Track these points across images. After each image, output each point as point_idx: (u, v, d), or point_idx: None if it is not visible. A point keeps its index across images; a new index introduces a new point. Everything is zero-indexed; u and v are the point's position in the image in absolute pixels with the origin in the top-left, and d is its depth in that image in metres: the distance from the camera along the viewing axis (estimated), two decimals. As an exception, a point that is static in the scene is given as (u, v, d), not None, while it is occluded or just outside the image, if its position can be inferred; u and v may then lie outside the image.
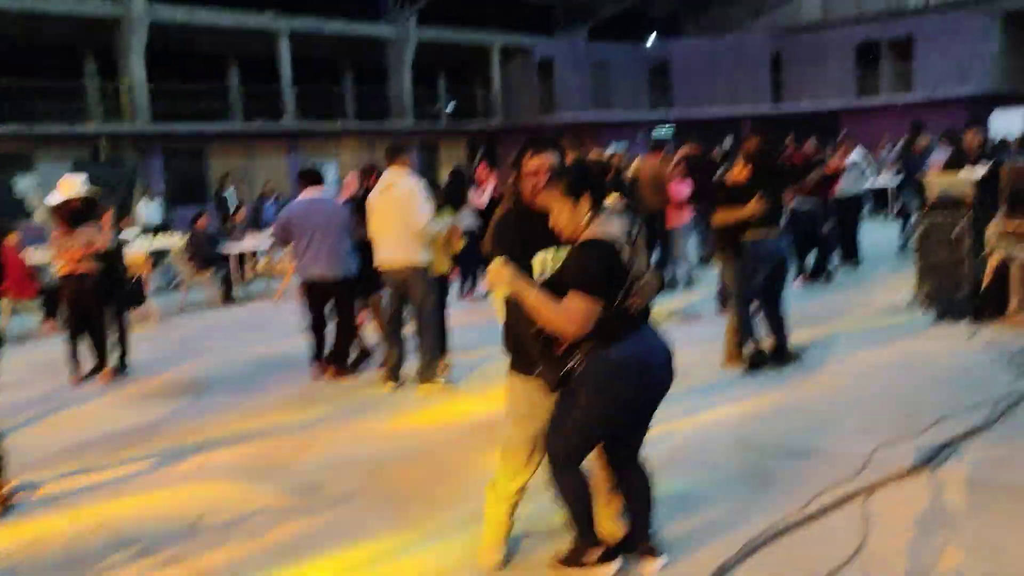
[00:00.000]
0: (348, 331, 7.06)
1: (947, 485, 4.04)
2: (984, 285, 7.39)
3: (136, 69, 21.94)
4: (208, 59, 26.20)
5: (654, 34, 34.53)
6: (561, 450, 3.14)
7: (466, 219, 10.51)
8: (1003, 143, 9.08)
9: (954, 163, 8.46)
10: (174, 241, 12.71)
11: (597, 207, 3.01)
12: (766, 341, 6.43)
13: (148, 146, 22.45)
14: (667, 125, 31.22)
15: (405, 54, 26.97)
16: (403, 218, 6.08)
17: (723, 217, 6.13)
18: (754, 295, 6.28)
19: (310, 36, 25.04)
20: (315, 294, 6.96)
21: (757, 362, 6.29)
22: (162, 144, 22.77)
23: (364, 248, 6.70)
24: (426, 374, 6.38)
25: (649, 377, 3.07)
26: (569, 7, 31.36)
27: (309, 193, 6.94)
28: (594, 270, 2.91)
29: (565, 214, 3.00)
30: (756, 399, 5.68)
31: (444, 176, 26.01)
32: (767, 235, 6.11)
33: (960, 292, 7.80)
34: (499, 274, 3.01)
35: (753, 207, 5.94)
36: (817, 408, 5.43)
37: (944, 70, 27.72)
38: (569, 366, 3.02)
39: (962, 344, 6.72)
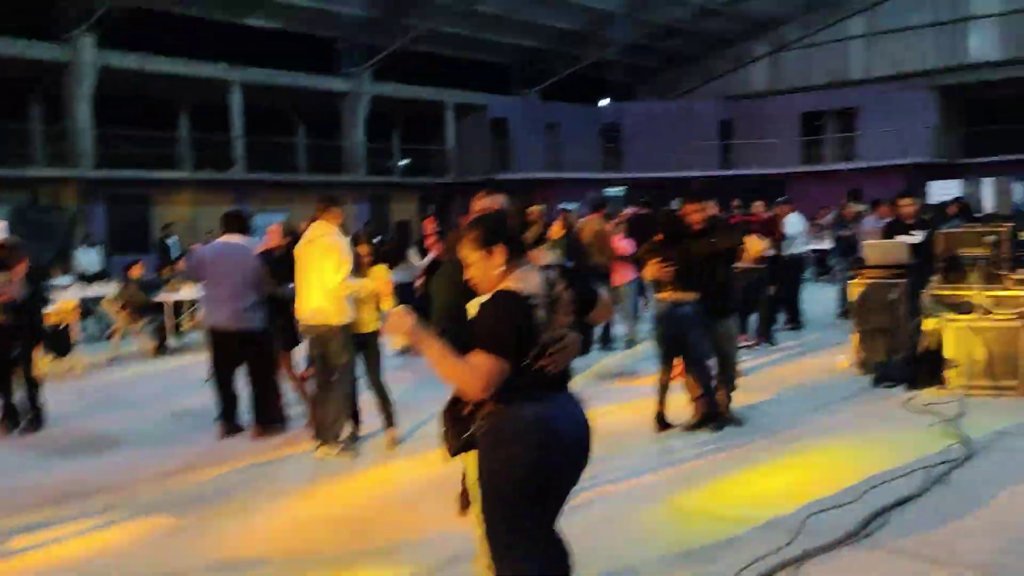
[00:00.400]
0: (263, 387, 6.69)
1: (880, 554, 3.93)
2: (920, 350, 7.42)
3: (82, 114, 21.61)
4: (158, 106, 25.99)
5: (607, 99, 35.25)
6: (498, 544, 2.78)
7: (402, 275, 10.41)
8: (939, 210, 9.27)
9: (891, 230, 8.59)
10: (108, 289, 12.33)
11: (514, 259, 2.78)
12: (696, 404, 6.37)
13: (91, 192, 22.00)
14: (619, 187, 31.63)
15: (359, 108, 27.02)
16: (319, 273, 5.89)
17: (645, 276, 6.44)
18: (704, 354, 6.24)
19: (263, 87, 24.97)
20: (219, 344, 6.63)
21: (704, 421, 6.23)
22: (106, 191, 22.34)
23: (279, 302, 6.52)
24: (324, 436, 6.04)
25: (556, 446, 2.71)
26: (523, 67, 31.84)
27: (228, 238, 6.70)
28: (501, 326, 2.64)
29: (478, 265, 2.81)
30: (689, 463, 5.55)
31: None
32: (678, 299, 6.14)
33: (897, 357, 7.83)
34: (398, 323, 2.73)
35: (649, 270, 6.13)
36: (751, 474, 5.32)
37: (885, 140, 28.61)
38: (471, 431, 2.79)
39: (899, 409, 6.70)
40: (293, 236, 6.89)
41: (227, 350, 6.62)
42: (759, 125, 31.75)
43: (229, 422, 6.69)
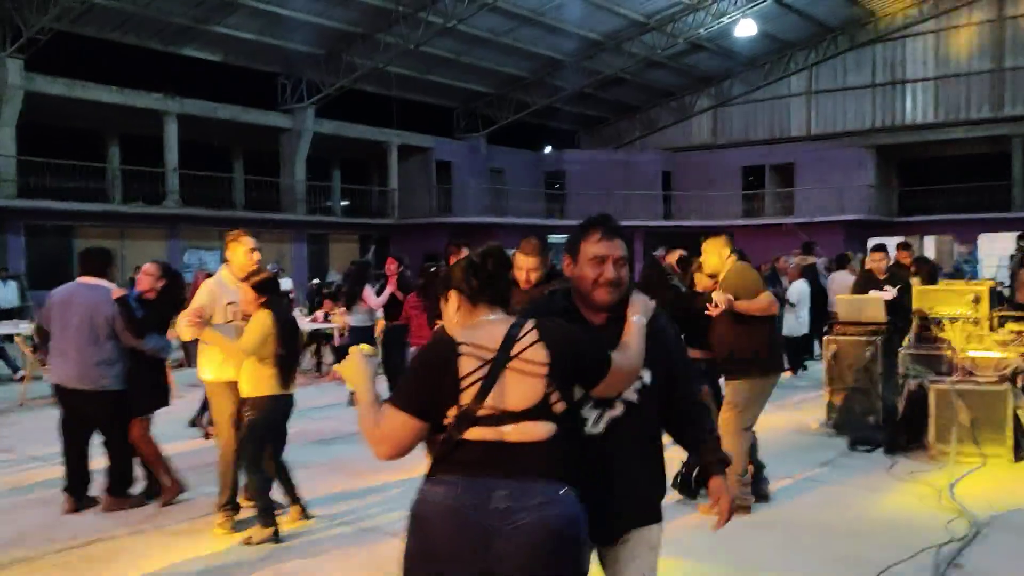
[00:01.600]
0: (117, 454, 5.70)
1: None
2: (899, 412, 7.07)
3: (6, 140, 20.46)
4: (86, 135, 24.93)
5: (549, 147, 35.25)
6: None
7: (360, 317, 9.76)
8: (900, 266, 9.07)
9: (864, 285, 8.30)
10: (23, 327, 11.36)
11: (475, 306, 2.41)
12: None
13: (9, 222, 20.76)
14: (563, 235, 31.38)
15: (300, 145, 26.32)
16: None
17: None
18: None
19: (200, 119, 24.13)
20: (66, 404, 5.63)
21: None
22: (26, 221, 21.11)
23: (145, 357, 5.71)
24: (260, 513, 5.05)
25: (423, 553, 2.24)
26: (468, 111, 31.61)
27: (82, 280, 5.67)
28: (412, 374, 2.38)
29: (443, 314, 2.50)
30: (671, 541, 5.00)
31: (334, 269, 25.39)
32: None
33: (872, 418, 7.48)
34: (347, 365, 2.47)
35: None
36: (738, 566, 4.79)
37: (822, 195, 29.06)
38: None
39: (885, 477, 6.29)
40: (171, 278, 6.10)
41: (75, 411, 5.62)
42: (701, 178, 32.04)
43: (75, 495, 5.65)
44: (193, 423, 8.25)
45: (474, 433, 2.23)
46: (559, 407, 2.27)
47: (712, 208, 31.37)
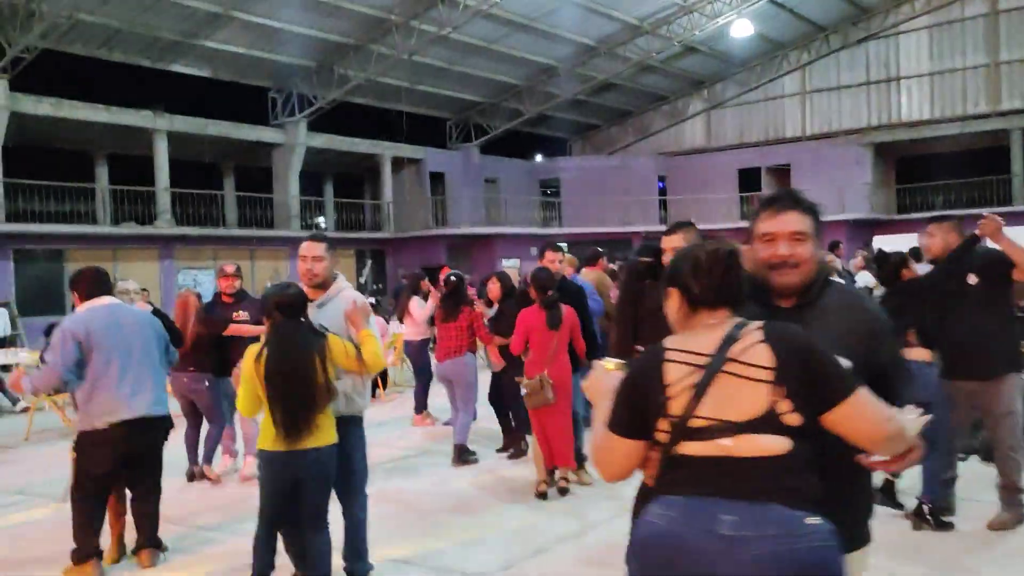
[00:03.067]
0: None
1: None
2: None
3: (-10, 162, 19.85)
4: (74, 156, 24.34)
5: (540, 155, 34.92)
6: None
7: (412, 330, 9.48)
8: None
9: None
10: (23, 357, 10.80)
11: (696, 308, 2.18)
12: None
13: (-3, 247, 20.14)
14: (560, 243, 31.03)
15: (293, 160, 25.80)
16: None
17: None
18: None
19: (190, 137, 23.58)
20: (132, 440, 4.79)
21: None
22: (13, 246, 20.46)
23: None
24: None
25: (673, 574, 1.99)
26: (461, 121, 31.20)
27: (104, 300, 4.94)
28: (617, 393, 2.17)
29: (666, 309, 2.26)
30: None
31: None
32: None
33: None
34: (592, 380, 2.32)
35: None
36: None
37: (821, 195, 28.60)
38: None
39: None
40: None
41: (142, 444, 4.92)
42: (697, 181, 31.75)
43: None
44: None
45: (691, 448, 2.00)
46: (792, 419, 1.95)
47: (709, 211, 31.04)
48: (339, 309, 4.09)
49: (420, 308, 9.30)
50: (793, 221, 2.29)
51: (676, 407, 1.99)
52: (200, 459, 7.00)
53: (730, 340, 2.01)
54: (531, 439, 6.37)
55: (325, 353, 3.79)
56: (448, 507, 6.00)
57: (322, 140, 26.36)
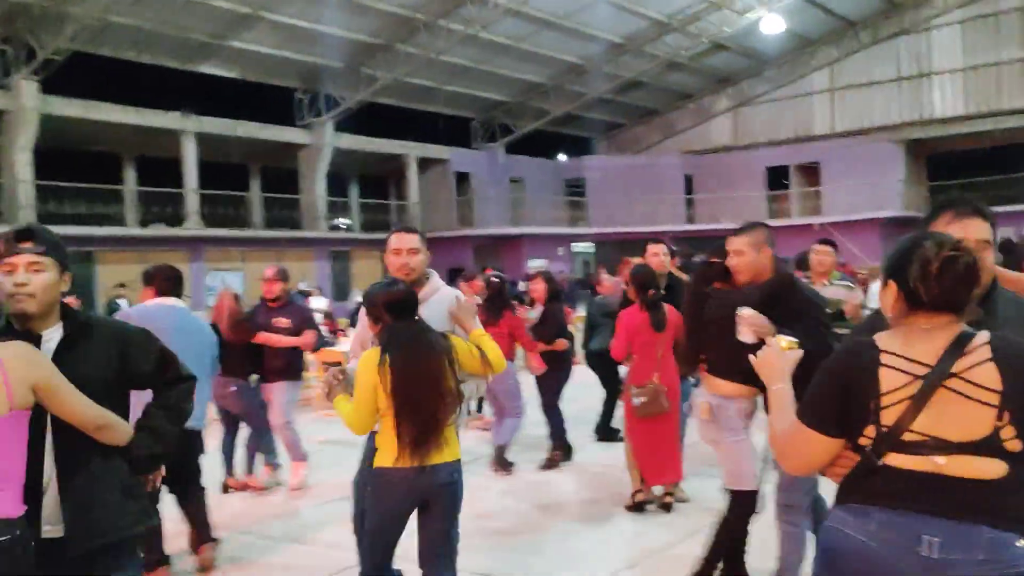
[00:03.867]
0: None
1: None
2: None
3: (22, 165, 19.86)
4: (103, 157, 24.36)
5: (565, 155, 34.73)
6: None
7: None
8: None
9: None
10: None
11: (914, 308, 2.01)
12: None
13: (29, 249, 20.11)
14: (586, 243, 30.88)
15: (320, 160, 25.72)
16: None
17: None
18: None
19: (218, 137, 23.55)
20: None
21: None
22: (46, 248, 20.44)
23: None
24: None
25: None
26: (486, 121, 31.03)
27: (167, 300, 4.83)
28: (821, 387, 2.07)
29: (881, 300, 2.14)
30: None
31: (357, 287, 24.70)
32: None
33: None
34: (764, 359, 2.28)
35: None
36: None
37: (852, 194, 28.39)
38: None
39: None
40: None
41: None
42: (724, 180, 31.41)
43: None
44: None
45: (898, 460, 1.88)
46: (1014, 445, 1.82)
47: (736, 210, 30.67)
48: (440, 308, 3.68)
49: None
50: (978, 228, 2.25)
51: (889, 417, 1.87)
52: (235, 467, 6.80)
53: (955, 353, 1.87)
54: (624, 446, 5.92)
55: (453, 355, 3.37)
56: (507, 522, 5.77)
57: (348, 140, 26.27)
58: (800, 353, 2.24)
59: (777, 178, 31.07)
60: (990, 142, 28.43)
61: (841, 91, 30.92)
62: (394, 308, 3.30)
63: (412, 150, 28.30)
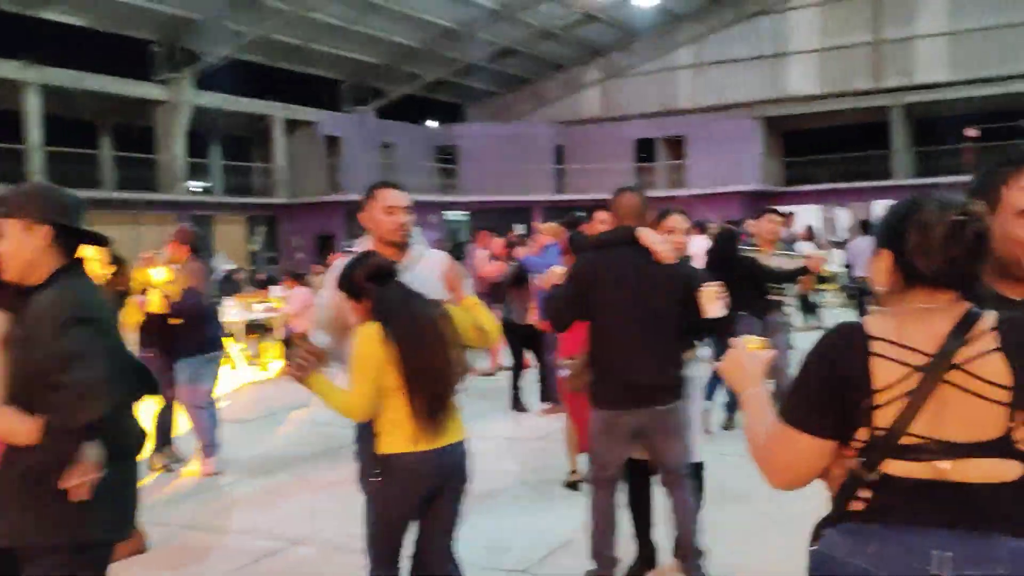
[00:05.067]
0: None
1: None
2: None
3: None
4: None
5: (435, 122, 34.27)
6: None
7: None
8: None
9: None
10: None
11: (916, 285, 1.76)
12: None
13: None
14: (460, 211, 30.67)
15: (179, 119, 24.23)
16: None
17: None
18: None
19: (65, 91, 21.75)
20: None
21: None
22: None
23: None
24: None
25: None
26: (357, 84, 30.13)
27: None
28: (805, 381, 1.79)
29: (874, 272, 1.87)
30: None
31: (221, 252, 23.56)
32: None
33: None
34: (730, 362, 1.94)
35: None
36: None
37: (714, 168, 29.39)
38: None
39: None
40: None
41: None
42: (593, 151, 31.83)
43: None
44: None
45: (897, 467, 1.61)
46: None
47: (605, 181, 31.21)
48: (432, 272, 3.37)
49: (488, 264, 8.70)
50: None
51: (884, 418, 1.60)
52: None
53: (956, 341, 1.60)
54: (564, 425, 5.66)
55: (451, 322, 3.07)
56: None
57: (210, 99, 24.85)
58: (772, 353, 1.95)
59: (645, 150, 31.75)
60: (841, 121, 30.05)
61: (705, 67, 31.83)
62: (378, 277, 2.99)
63: (279, 111, 27.11)
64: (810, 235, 12.14)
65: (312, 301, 10.61)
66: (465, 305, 3.23)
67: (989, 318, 1.62)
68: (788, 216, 12.99)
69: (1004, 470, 1.57)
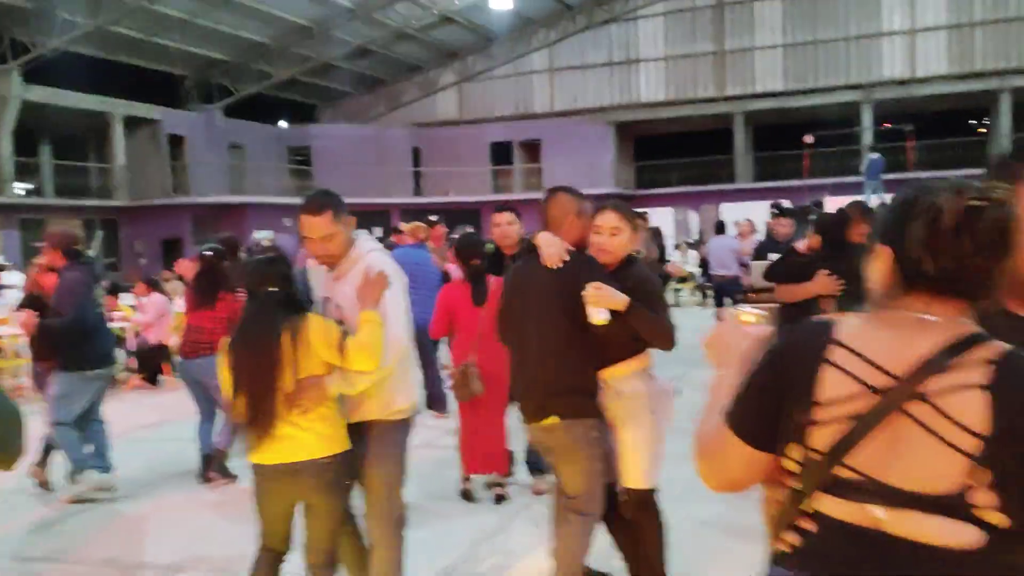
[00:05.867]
0: None
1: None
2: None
3: None
4: None
5: (285, 122, 33.25)
6: None
7: None
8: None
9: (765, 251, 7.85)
10: None
11: (906, 289, 1.46)
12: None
13: None
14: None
15: (5, 114, 22.33)
16: None
17: None
18: None
19: None
20: None
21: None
22: None
23: None
24: None
25: None
26: (202, 81, 28.76)
27: None
28: (749, 380, 1.56)
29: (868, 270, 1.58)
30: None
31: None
32: None
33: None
34: (715, 336, 1.70)
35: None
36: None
37: (569, 171, 29.91)
38: None
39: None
40: None
41: None
42: (450, 154, 31.79)
43: None
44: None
45: (829, 504, 1.37)
46: (995, 518, 1.26)
47: (463, 184, 31.29)
48: (349, 287, 3.17)
49: None
50: None
51: (820, 439, 1.35)
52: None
53: (934, 366, 1.31)
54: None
55: (297, 337, 2.94)
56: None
57: (40, 93, 23.04)
58: (768, 330, 1.67)
59: (502, 153, 31.96)
60: (688, 127, 31.31)
61: (559, 72, 32.39)
62: (261, 282, 3.02)
63: (118, 108, 25.46)
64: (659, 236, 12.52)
65: (167, 309, 9.97)
66: (360, 319, 3.03)
67: (991, 348, 1.31)
68: (644, 218, 13.38)
69: (953, 533, 1.26)
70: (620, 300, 3.23)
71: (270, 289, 3.03)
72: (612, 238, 3.43)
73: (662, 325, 3.34)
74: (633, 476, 3.38)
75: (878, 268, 1.43)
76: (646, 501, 3.44)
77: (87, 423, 5.55)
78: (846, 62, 29.08)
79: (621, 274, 3.40)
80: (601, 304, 3.21)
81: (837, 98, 28.58)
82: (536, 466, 5.13)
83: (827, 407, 1.34)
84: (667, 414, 3.46)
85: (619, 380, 3.38)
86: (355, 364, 2.97)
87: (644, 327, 3.32)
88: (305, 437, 2.98)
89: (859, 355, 1.35)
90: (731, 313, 1.71)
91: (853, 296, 4.90)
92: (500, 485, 5.15)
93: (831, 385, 1.35)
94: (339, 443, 3.07)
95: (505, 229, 5.38)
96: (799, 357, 1.40)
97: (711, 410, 1.53)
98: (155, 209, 26.02)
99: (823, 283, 4.84)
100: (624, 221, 3.48)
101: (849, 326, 1.40)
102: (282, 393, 2.93)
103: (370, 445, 3.23)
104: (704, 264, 15.27)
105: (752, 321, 1.68)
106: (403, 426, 3.32)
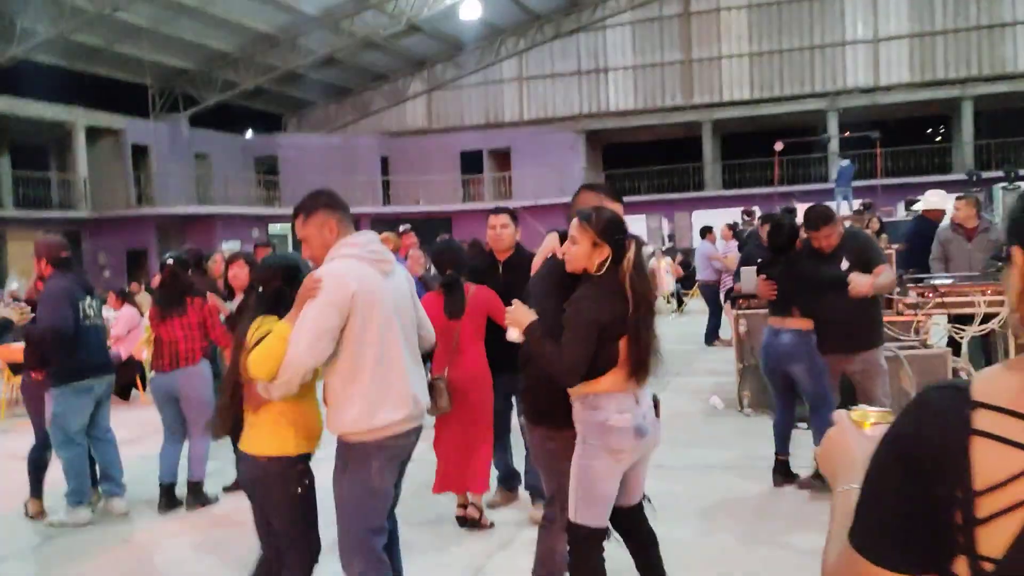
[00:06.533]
0: None
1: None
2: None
3: None
4: None
5: (250, 132, 32.90)
6: None
7: None
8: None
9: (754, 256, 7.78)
10: None
11: None
12: None
13: None
14: (284, 223, 29.43)
15: (-38, 125, 21.84)
16: None
17: None
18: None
19: None
20: None
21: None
22: None
23: None
24: None
25: None
26: (167, 90, 28.34)
27: None
28: (874, 483, 1.13)
29: None
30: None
31: (14, 273, 21.33)
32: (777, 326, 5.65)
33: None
34: (841, 444, 1.29)
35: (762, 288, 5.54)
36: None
37: (539, 180, 29.93)
38: None
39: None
40: None
41: None
42: (420, 162, 31.64)
43: None
44: None
45: None
46: None
47: (432, 193, 31.15)
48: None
49: None
50: None
51: (992, 542, 0.98)
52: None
53: None
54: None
55: (243, 341, 3.03)
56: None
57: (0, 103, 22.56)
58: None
59: (472, 162, 31.86)
60: (656, 135, 31.45)
61: (529, 80, 32.40)
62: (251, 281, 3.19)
63: (80, 117, 24.96)
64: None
65: (138, 322, 9.74)
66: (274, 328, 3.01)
67: None
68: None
69: None
70: (522, 321, 3.07)
71: (260, 290, 3.24)
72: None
73: (554, 355, 2.96)
74: (570, 504, 3.13)
75: (1016, 277, 1.09)
76: (574, 535, 3.12)
77: (93, 440, 5.39)
78: (811, 71, 29.42)
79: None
80: (511, 323, 3.10)
81: (803, 106, 28.89)
82: (537, 490, 4.57)
83: (992, 494, 0.98)
84: (613, 452, 3.02)
85: (573, 399, 3.13)
86: (250, 370, 2.93)
87: (536, 352, 3.07)
88: (252, 432, 3.08)
89: (1015, 414, 1.00)
90: (845, 415, 1.34)
91: (782, 303, 4.98)
92: (470, 507, 4.82)
93: (990, 463, 0.99)
94: (279, 446, 3.04)
95: (499, 232, 4.96)
96: (937, 437, 1.03)
97: (834, 538, 1.16)
98: (119, 220, 25.54)
99: (760, 287, 5.06)
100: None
101: (986, 379, 1.06)
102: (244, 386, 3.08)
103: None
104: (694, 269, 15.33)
105: (872, 422, 1.30)
106: (360, 448, 3.02)
